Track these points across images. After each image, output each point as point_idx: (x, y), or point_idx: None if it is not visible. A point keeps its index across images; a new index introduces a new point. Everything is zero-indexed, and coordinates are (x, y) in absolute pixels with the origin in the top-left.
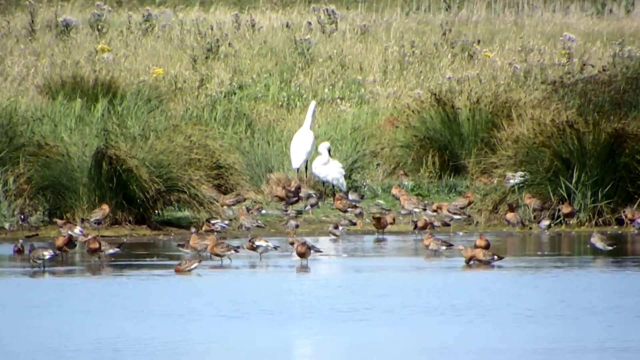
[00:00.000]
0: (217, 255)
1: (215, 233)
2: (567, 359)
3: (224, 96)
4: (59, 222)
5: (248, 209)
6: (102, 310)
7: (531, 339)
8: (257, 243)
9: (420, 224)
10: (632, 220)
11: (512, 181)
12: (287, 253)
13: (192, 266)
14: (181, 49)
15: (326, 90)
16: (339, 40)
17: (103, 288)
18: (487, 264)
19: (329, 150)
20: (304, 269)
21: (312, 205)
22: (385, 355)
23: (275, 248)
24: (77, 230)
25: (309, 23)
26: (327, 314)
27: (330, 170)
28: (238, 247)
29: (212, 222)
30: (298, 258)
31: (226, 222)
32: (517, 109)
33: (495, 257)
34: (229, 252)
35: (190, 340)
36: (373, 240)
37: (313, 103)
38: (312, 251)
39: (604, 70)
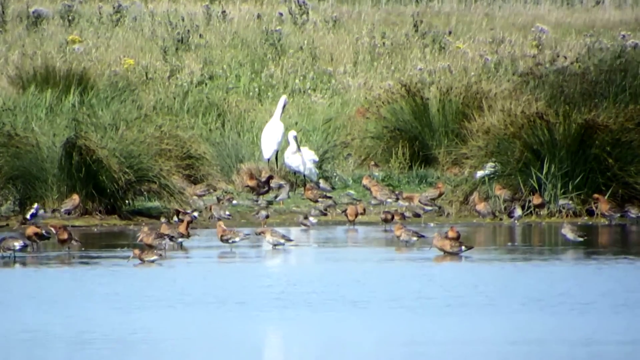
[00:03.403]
0: (149, 246)
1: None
2: (535, 350)
3: (195, 87)
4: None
5: (219, 200)
6: (69, 299)
7: (500, 329)
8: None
9: (385, 217)
10: (604, 215)
11: (479, 173)
12: (258, 244)
13: (152, 258)
14: (152, 40)
15: (297, 81)
16: (310, 31)
17: (70, 278)
18: (455, 254)
19: (296, 139)
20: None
21: (287, 196)
22: (354, 345)
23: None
24: (35, 206)
25: (280, 14)
26: (296, 304)
27: (302, 159)
28: (172, 236)
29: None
30: (271, 248)
31: (195, 213)
32: (488, 100)
33: (463, 247)
34: (161, 242)
35: (160, 330)
36: (344, 231)
37: (284, 97)
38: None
39: (577, 61)
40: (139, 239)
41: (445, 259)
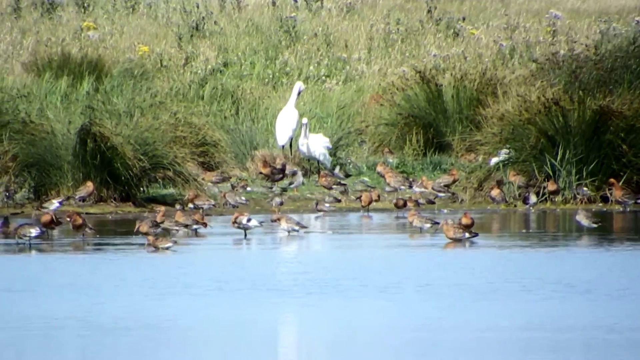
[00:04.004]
0: (145, 234)
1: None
2: (549, 336)
3: (210, 74)
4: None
5: (233, 187)
6: (85, 286)
7: (514, 316)
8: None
9: (397, 202)
10: (619, 202)
11: (494, 160)
12: (273, 231)
13: (167, 245)
14: (167, 27)
15: (311, 67)
16: (324, 18)
17: (86, 264)
18: (457, 241)
19: (306, 126)
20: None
21: (302, 183)
22: (367, 330)
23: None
24: (55, 202)
25: (295, 1)
26: (311, 290)
27: (316, 145)
28: (187, 224)
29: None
30: (286, 235)
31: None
32: (502, 86)
33: (466, 234)
34: (152, 230)
35: (176, 316)
36: (358, 218)
37: (300, 84)
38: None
39: (595, 48)
40: (136, 227)
41: (457, 245)
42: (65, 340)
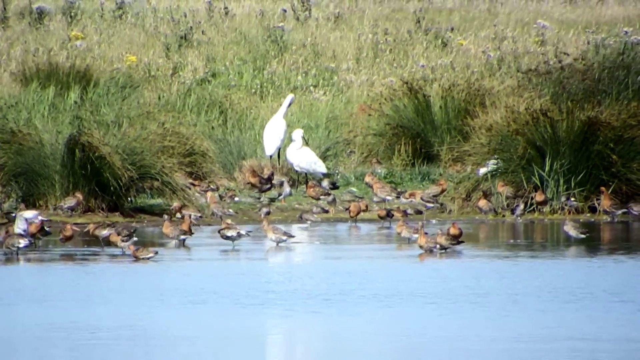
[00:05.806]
0: (114, 244)
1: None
2: (538, 347)
3: (198, 84)
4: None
5: (221, 197)
6: (74, 297)
7: (501, 327)
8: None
9: (379, 214)
10: (607, 212)
11: (482, 170)
12: (260, 241)
13: (148, 255)
14: (154, 37)
15: (299, 78)
16: (312, 28)
17: (72, 275)
18: (429, 251)
19: (303, 138)
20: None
21: (290, 193)
22: (357, 342)
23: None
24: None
25: (283, 10)
26: (298, 301)
27: (304, 157)
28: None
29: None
30: (274, 245)
31: (199, 214)
32: (491, 97)
33: (438, 245)
34: (104, 232)
35: (163, 327)
36: (346, 228)
37: (291, 96)
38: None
39: (581, 58)
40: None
41: (445, 256)
42: (55, 350)
